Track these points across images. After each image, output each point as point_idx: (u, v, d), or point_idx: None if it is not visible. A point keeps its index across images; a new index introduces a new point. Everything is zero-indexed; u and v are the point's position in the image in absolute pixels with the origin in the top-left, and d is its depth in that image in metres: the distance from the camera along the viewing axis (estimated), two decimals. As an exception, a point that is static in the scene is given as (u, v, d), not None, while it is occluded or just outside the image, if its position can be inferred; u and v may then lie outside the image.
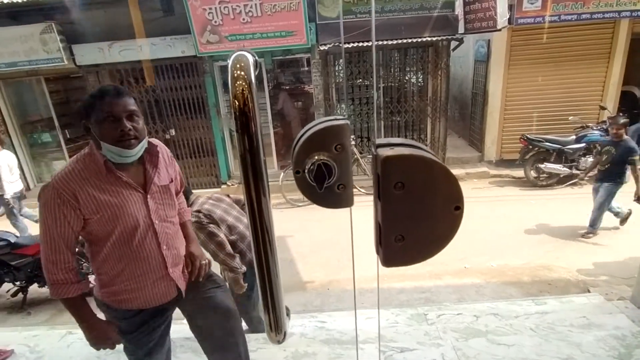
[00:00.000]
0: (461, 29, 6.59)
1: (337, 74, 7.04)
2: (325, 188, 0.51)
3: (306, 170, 0.51)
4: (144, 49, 6.53)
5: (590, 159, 6.18)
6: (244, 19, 6.23)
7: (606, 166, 4.43)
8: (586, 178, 5.86)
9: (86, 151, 1.47)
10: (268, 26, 6.27)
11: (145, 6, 6.50)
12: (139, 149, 1.46)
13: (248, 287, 2.61)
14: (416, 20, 6.39)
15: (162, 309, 1.68)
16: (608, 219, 4.84)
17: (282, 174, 6.48)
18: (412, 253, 0.47)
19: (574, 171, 6.25)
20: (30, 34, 6.40)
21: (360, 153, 6.72)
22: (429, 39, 6.45)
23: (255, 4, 6.13)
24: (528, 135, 6.40)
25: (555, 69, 6.87)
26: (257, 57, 0.51)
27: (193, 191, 2.72)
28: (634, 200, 4.40)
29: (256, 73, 0.50)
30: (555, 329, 2.71)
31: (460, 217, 0.44)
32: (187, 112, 7.04)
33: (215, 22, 6.24)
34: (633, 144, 4.30)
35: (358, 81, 7.08)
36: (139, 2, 6.45)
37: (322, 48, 6.41)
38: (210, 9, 6.15)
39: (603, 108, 6.64)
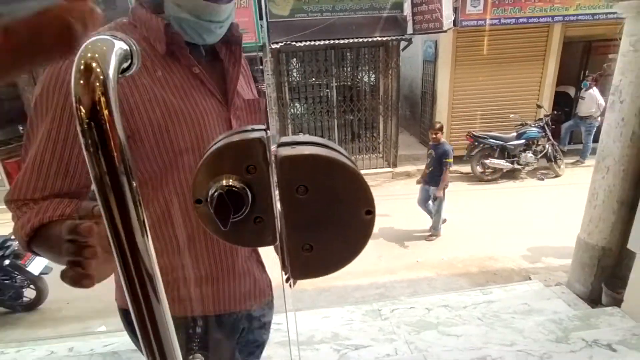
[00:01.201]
0: (410, 30, 6.78)
1: (289, 72, 6.99)
2: (236, 223, 0.40)
3: (208, 200, 0.40)
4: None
5: (529, 154, 6.61)
6: (192, 15, 6.01)
7: (430, 169, 4.70)
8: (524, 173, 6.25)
9: (127, 19, 0.84)
10: (218, 23, 6.09)
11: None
12: (229, 11, 0.82)
13: None
14: (367, 20, 6.49)
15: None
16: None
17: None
18: (323, 263, 0.43)
19: (516, 166, 6.64)
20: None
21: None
22: (379, 38, 6.57)
23: (204, 0, 5.93)
24: (474, 133, 6.71)
25: (497, 69, 7.26)
26: (134, 45, 0.37)
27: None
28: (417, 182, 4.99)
29: (130, 67, 0.37)
30: (500, 316, 2.86)
31: (373, 222, 0.41)
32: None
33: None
34: (448, 147, 4.57)
35: (311, 80, 7.08)
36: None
37: (274, 47, 6.33)
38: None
39: (539, 106, 7.12)
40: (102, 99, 0.31)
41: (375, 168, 7.27)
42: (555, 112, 7.37)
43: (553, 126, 6.85)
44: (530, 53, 7.24)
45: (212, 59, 0.89)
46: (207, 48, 0.87)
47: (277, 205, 0.43)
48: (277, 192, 0.41)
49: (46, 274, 3.87)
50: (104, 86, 0.31)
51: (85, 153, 0.31)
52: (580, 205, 3.33)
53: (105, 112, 0.31)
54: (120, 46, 0.35)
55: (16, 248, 3.78)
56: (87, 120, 0.30)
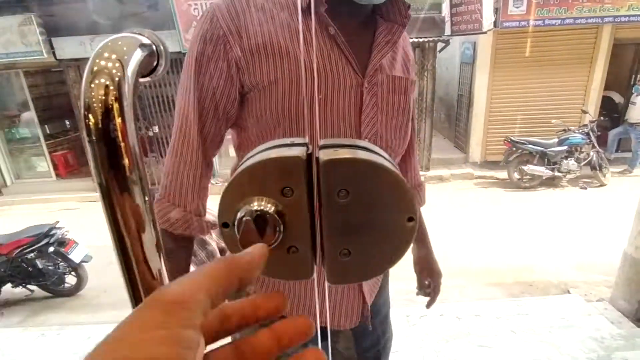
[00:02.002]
0: (447, 31, 6.62)
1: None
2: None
3: (235, 224, 0.35)
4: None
5: (572, 162, 6.30)
6: (230, 16, 6.15)
7: None
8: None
9: None
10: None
11: (129, 0, 6.37)
12: None
13: None
14: (403, 21, 6.40)
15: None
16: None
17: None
18: (360, 269, 0.41)
19: (556, 173, 6.35)
20: (8, 25, 6.20)
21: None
22: (415, 39, 6.46)
23: None
24: (512, 138, 6.47)
25: (539, 72, 6.96)
26: (162, 45, 0.35)
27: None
28: None
29: (154, 70, 0.35)
30: (536, 330, 2.73)
31: (414, 230, 0.39)
32: (171, 109, 6.93)
33: (201, 18, 6.14)
34: None
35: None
36: (123, -4, 6.34)
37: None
38: (195, 4, 6.05)
39: (585, 112, 6.77)
40: (115, 105, 0.28)
41: (407, 171, 7.16)
42: (602, 118, 6.99)
43: (599, 133, 6.50)
44: (575, 56, 6.90)
45: (363, 28, 0.81)
46: (360, 16, 0.81)
47: (316, 226, 0.39)
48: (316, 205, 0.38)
49: (86, 262, 4.08)
50: (118, 90, 0.29)
51: (91, 163, 0.29)
52: (626, 217, 3.14)
53: (118, 120, 0.29)
54: (144, 46, 0.32)
55: (60, 236, 4.00)
56: (95, 130, 0.28)
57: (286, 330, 0.27)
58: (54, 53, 6.47)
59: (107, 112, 0.28)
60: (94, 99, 0.28)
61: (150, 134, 6.96)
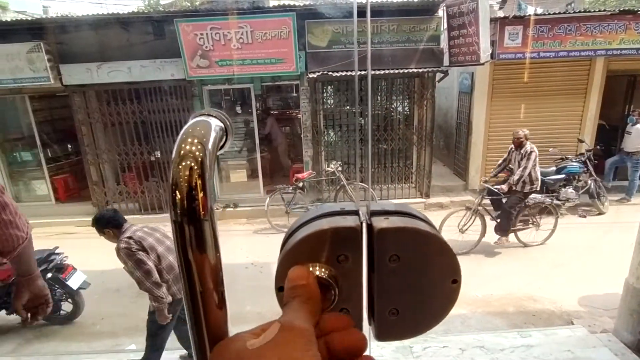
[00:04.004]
0: (446, 62, 6.81)
1: (325, 100, 7.14)
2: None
3: None
4: (133, 71, 6.53)
5: (570, 190, 6.34)
6: (234, 45, 6.32)
7: None
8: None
9: None
10: (258, 53, 6.37)
11: (136, 29, 6.55)
12: None
13: (173, 319, 2.68)
14: (403, 52, 6.59)
15: None
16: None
17: (268, 198, 6.43)
18: (407, 327, 0.44)
19: (555, 201, 6.37)
20: (17, 52, 6.35)
21: (347, 179, 6.74)
22: (415, 70, 6.63)
23: (247, 31, 6.23)
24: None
25: (535, 102, 7.11)
26: (228, 121, 0.40)
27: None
28: None
29: (223, 145, 0.39)
30: (541, 363, 2.69)
31: (458, 291, 0.42)
32: (174, 134, 7.00)
33: (206, 47, 6.31)
34: None
35: (346, 108, 7.19)
36: (130, 25, 6.52)
37: (311, 76, 6.52)
38: (201, 34, 6.23)
39: (581, 141, 6.87)
40: (199, 182, 0.32)
41: (408, 198, 7.18)
42: (598, 147, 7.10)
43: (596, 161, 6.58)
44: (571, 87, 7.07)
45: None
46: None
47: (364, 288, 0.42)
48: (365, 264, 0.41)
49: (84, 288, 4.02)
50: (201, 168, 0.33)
51: (175, 239, 0.33)
52: (626, 246, 3.15)
53: (201, 194, 0.32)
54: (217, 126, 0.37)
55: (59, 262, 3.96)
56: (181, 212, 0.32)
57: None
58: (60, 79, 6.59)
59: (194, 195, 0.32)
60: (180, 179, 0.32)
61: (152, 158, 7.01)
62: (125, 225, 2.68)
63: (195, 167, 0.32)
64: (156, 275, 2.51)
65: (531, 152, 5.03)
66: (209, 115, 0.39)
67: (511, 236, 5.36)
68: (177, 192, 0.32)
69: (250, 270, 5.07)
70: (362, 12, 6.55)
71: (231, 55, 6.38)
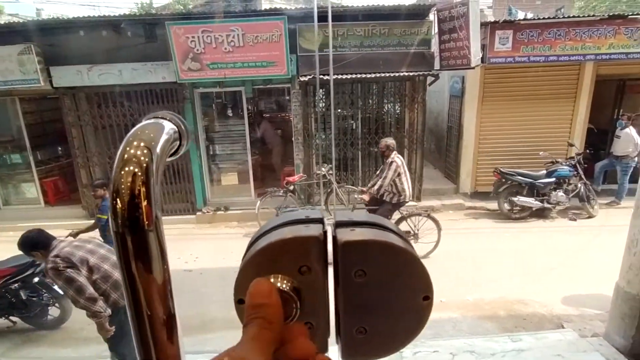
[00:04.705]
0: (437, 66, 6.85)
1: (316, 104, 7.14)
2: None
3: None
4: (124, 74, 6.49)
5: (560, 193, 6.39)
6: (225, 48, 6.30)
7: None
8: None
9: None
10: (249, 56, 6.35)
11: (128, 32, 6.51)
12: None
13: (118, 328, 2.58)
14: (394, 56, 6.61)
15: None
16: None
17: (259, 202, 6.40)
18: (375, 347, 0.41)
19: (546, 205, 6.42)
20: (7, 54, 6.28)
21: (338, 182, 6.74)
22: (406, 73, 6.66)
23: (238, 35, 6.22)
24: (501, 169, 6.58)
25: (526, 106, 7.17)
26: (183, 125, 0.38)
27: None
28: None
29: (177, 150, 0.36)
30: (530, 367, 2.68)
31: (430, 308, 0.40)
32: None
33: (197, 50, 6.28)
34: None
35: (337, 111, 7.19)
36: (121, 28, 6.47)
37: (302, 79, 6.51)
38: (192, 37, 6.20)
39: (571, 145, 6.94)
40: (143, 190, 0.30)
41: (399, 201, 7.18)
42: (587, 151, 7.17)
43: (585, 165, 6.64)
44: (560, 91, 7.14)
45: None
46: None
47: (331, 299, 0.40)
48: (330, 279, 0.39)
49: (71, 293, 3.95)
50: (146, 175, 0.30)
51: (116, 249, 0.30)
52: (616, 250, 3.16)
53: (145, 202, 0.30)
54: (168, 131, 0.34)
55: (46, 266, 3.90)
56: (121, 214, 0.30)
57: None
58: (50, 81, 6.53)
59: (136, 203, 0.30)
60: (122, 185, 0.30)
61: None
62: (53, 243, 2.57)
63: (139, 173, 0.30)
64: (90, 290, 2.42)
65: (391, 162, 4.88)
66: (162, 118, 0.37)
67: None
68: (117, 200, 0.30)
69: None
70: (350, 17, 6.51)
71: (223, 58, 6.36)
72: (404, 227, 5.16)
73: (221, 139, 7.48)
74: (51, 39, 6.48)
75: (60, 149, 8.32)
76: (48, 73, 6.49)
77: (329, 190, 6.53)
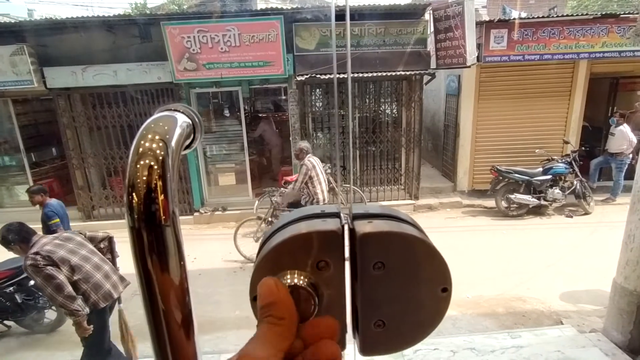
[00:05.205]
0: (433, 65, 6.86)
1: (313, 103, 7.13)
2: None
3: None
4: (119, 74, 6.44)
5: (557, 190, 6.43)
6: (222, 48, 6.27)
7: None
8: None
9: None
10: (246, 56, 6.33)
11: (123, 32, 6.47)
12: None
13: (97, 331, 2.57)
14: (390, 55, 6.62)
15: None
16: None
17: (257, 201, 6.38)
18: (394, 340, 0.40)
19: (542, 202, 6.46)
20: (-1, 55, 6.22)
21: (337, 181, 6.73)
22: (402, 72, 6.67)
23: (234, 34, 6.20)
24: (498, 167, 6.60)
25: (521, 104, 7.21)
26: (197, 117, 0.37)
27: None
28: None
29: (191, 143, 0.36)
30: (531, 363, 2.69)
31: (449, 300, 0.39)
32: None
33: (193, 50, 6.25)
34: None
35: (334, 111, 7.19)
36: (116, 28, 6.43)
37: (299, 78, 6.50)
38: (188, 37, 6.17)
39: (566, 142, 6.98)
40: (159, 183, 0.29)
41: (397, 200, 7.20)
42: (583, 148, 7.22)
43: (581, 162, 6.69)
44: (555, 89, 7.18)
45: None
46: None
47: (348, 295, 0.39)
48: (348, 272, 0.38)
49: (68, 295, 3.91)
50: (162, 168, 0.29)
51: (131, 246, 0.29)
52: (613, 246, 3.18)
53: (162, 197, 0.29)
54: (183, 123, 0.33)
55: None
56: (140, 209, 0.29)
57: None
58: (44, 82, 6.46)
59: (154, 199, 0.29)
60: (138, 180, 0.29)
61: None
62: (33, 238, 2.57)
63: (156, 167, 0.29)
64: (69, 289, 2.41)
65: (302, 165, 4.84)
66: (175, 110, 0.36)
67: None
68: (134, 194, 0.29)
69: (238, 274, 5.02)
70: (347, 16, 6.51)
71: (219, 58, 6.34)
72: None
73: (218, 139, 7.45)
74: (44, 40, 6.42)
75: (54, 150, 8.25)
76: (42, 74, 6.42)
77: (328, 189, 6.51)
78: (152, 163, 0.29)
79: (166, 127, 0.32)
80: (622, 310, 2.96)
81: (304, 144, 4.96)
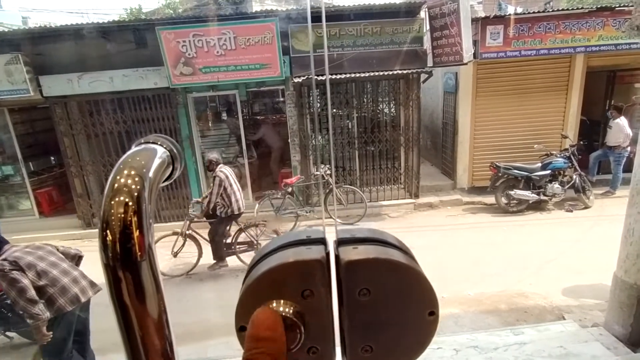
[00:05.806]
0: (430, 63, 6.86)
1: (310, 104, 7.13)
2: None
3: None
4: (115, 81, 6.44)
5: (556, 185, 6.43)
6: (217, 52, 6.27)
7: None
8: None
9: None
10: (242, 59, 6.33)
11: (118, 38, 6.47)
12: None
13: (60, 337, 2.61)
14: (387, 54, 6.62)
15: None
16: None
17: (257, 205, 6.37)
18: None
19: (542, 197, 6.45)
20: (-6, 65, 6.21)
21: (336, 182, 6.73)
22: (399, 71, 6.66)
23: (229, 37, 6.20)
24: (497, 163, 6.60)
25: (519, 99, 7.20)
26: (175, 148, 0.36)
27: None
28: None
29: (171, 174, 0.35)
30: (534, 360, 2.69)
31: (436, 323, 0.39)
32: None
33: (189, 54, 6.25)
34: None
35: (332, 111, 7.19)
36: (111, 34, 6.43)
37: (296, 80, 6.50)
38: (183, 41, 6.17)
39: (565, 137, 6.98)
40: (134, 219, 0.29)
41: (397, 199, 7.19)
42: (581, 142, 7.21)
43: (580, 156, 6.68)
44: (552, 83, 7.17)
45: None
46: None
47: (336, 320, 0.39)
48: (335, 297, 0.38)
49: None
50: (137, 204, 0.29)
51: (106, 283, 0.29)
52: (613, 239, 3.18)
53: (137, 232, 0.29)
54: (161, 156, 0.33)
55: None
56: (115, 247, 0.28)
57: None
58: (40, 91, 6.46)
59: (129, 236, 0.28)
60: (112, 217, 0.28)
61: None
62: (5, 247, 2.63)
63: (130, 203, 0.29)
64: (31, 293, 2.46)
65: (215, 177, 4.83)
66: (153, 142, 0.35)
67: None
68: (107, 231, 0.28)
69: (240, 279, 5.01)
70: (342, 16, 6.53)
71: (215, 62, 6.33)
72: (243, 238, 5.23)
73: (216, 143, 7.45)
74: (39, 48, 6.41)
75: (53, 158, 8.25)
76: (37, 82, 6.42)
77: (328, 190, 6.52)
78: (127, 199, 0.29)
79: (143, 162, 0.32)
80: (623, 303, 2.96)
81: (213, 155, 4.96)
